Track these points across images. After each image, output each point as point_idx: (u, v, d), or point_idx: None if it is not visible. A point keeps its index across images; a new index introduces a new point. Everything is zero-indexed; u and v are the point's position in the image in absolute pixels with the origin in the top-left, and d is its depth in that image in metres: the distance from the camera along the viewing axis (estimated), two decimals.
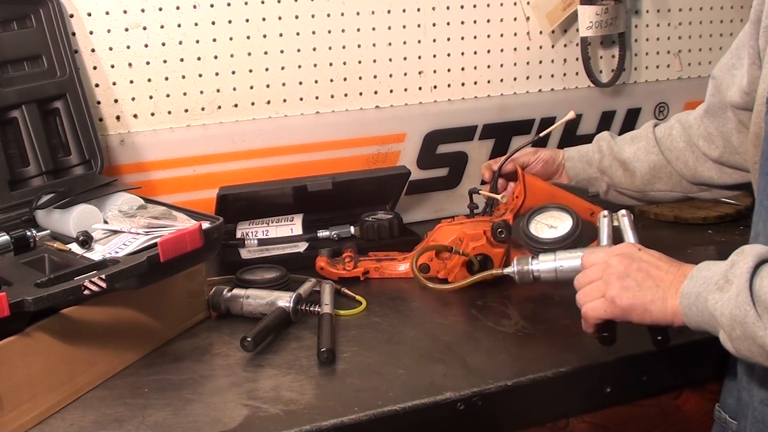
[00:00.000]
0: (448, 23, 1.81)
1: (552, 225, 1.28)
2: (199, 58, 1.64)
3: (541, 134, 1.56)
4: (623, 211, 1.28)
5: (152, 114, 1.63)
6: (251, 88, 1.69)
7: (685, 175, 1.47)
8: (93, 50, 1.57)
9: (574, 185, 1.55)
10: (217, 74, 1.66)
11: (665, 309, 1.02)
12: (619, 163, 1.53)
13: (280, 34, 1.69)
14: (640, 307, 1.03)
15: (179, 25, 1.61)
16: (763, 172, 1.10)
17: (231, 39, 1.65)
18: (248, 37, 1.67)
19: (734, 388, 1.18)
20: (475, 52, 1.84)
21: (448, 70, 1.83)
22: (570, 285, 1.15)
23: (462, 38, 1.83)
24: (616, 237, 1.23)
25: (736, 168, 1.41)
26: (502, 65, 1.87)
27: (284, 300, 1.32)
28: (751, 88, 1.22)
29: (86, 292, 1.07)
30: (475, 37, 1.84)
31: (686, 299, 1.00)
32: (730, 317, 0.94)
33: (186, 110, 1.65)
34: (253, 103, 1.70)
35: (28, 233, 1.29)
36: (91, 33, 1.56)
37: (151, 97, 1.62)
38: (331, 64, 1.74)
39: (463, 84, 1.85)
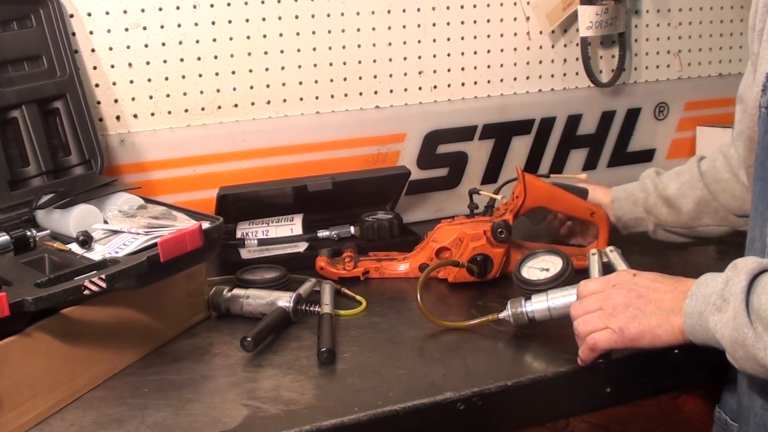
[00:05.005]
0: (448, 23, 1.81)
1: (544, 268, 1.29)
2: (199, 58, 1.64)
3: (551, 176, 1.58)
4: (611, 247, 1.32)
5: (152, 114, 1.63)
6: (251, 88, 1.69)
7: (731, 208, 1.45)
8: (93, 50, 1.57)
9: (574, 186, 1.55)
10: (217, 74, 1.66)
11: (673, 330, 1.02)
12: (664, 200, 1.50)
13: (280, 34, 1.69)
14: (649, 334, 1.03)
15: (179, 25, 1.61)
16: (758, 177, 1.09)
17: (231, 39, 1.65)
18: (248, 37, 1.67)
19: (735, 391, 1.18)
20: (475, 52, 1.84)
21: (448, 70, 1.83)
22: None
23: (462, 38, 1.83)
24: (607, 272, 1.24)
25: None
26: (502, 65, 1.87)
27: (284, 300, 1.32)
28: None
29: (86, 292, 1.07)
30: (475, 37, 1.84)
31: (689, 319, 1.00)
32: (730, 339, 0.94)
33: (186, 110, 1.65)
34: (253, 103, 1.70)
35: (28, 233, 1.29)
36: (91, 33, 1.56)
37: (151, 97, 1.62)
38: (331, 64, 1.74)
39: (463, 84, 1.85)
